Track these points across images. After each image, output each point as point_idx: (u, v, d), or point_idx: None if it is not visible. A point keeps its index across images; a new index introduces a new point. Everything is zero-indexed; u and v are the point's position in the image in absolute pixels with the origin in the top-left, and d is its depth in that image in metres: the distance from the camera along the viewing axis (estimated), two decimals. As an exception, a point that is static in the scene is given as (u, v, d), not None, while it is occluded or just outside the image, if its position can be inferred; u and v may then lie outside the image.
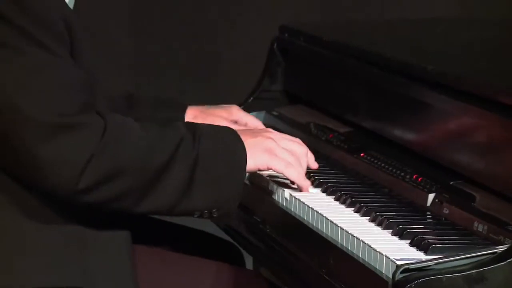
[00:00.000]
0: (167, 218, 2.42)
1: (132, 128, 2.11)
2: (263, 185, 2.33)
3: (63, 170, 2.01)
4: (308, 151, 2.29)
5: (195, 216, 2.16)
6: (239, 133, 2.19)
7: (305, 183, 2.26)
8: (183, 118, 2.59)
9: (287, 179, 2.29)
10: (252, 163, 2.17)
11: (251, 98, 2.91)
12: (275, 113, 2.85)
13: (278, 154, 2.21)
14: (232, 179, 2.15)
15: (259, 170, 2.22)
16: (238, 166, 2.16)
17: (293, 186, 2.29)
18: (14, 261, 2.08)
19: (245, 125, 2.60)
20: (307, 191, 2.28)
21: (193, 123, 2.26)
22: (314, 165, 2.30)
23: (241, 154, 2.16)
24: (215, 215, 2.19)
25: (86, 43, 2.18)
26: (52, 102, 2.02)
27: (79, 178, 2.00)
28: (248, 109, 2.83)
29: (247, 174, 2.21)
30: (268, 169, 2.21)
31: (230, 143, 2.17)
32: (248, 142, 2.17)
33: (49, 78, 2.03)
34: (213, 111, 2.60)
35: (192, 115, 2.60)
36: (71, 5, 2.21)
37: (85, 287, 2.09)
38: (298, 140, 2.31)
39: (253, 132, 2.29)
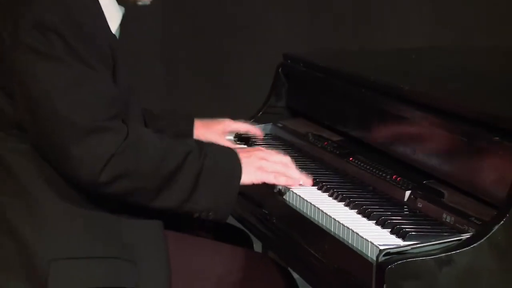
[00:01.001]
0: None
1: (150, 138, 2.12)
2: (270, 184, 2.30)
3: (88, 165, 2.01)
4: (290, 161, 2.30)
5: (195, 216, 2.18)
6: (238, 153, 2.21)
7: (296, 180, 2.26)
8: (192, 128, 2.59)
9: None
10: (247, 178, 2.19)
11: (260, 112, 2.91)
12: (279, 124, 2.85)
13: (268, 170, 2.23)
14: (228, 191, 2.17)
15: (254, 183, 2.21)
16: (234, 181, 2.17)
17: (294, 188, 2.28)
18: (67, 235, 2.07)
19: (239, 131, 2.63)
20: (309, 184, 2.28)
21: (202, 141, 2.27)
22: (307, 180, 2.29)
23: (237, 171, 2.18)
24: (210, 218, 2.20)
25: (125, 67, 2.17)
26: (86, 109, 2.02)
27: (100, 173, 2.01)
28: (258, 121, 2.86)
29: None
30: (262, 182, 2.22)
31: (229, 162, 2.19)
32: (244, 162, 2.19)
33: (87, 90, 2.02)
34: (212, 126, 2.60)
35: (196, 126, 2.60)
36: (117, 35, 2.21)
37: (123, 257, 2.09)
38: (281, 154, 2.32)
39: (249, 152, 2.28)
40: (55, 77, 2.00)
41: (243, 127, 2.64)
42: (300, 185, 2.27)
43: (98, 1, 2.14)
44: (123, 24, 2.27)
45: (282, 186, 2.27)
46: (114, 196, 2.07)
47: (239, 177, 2.18)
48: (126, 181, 2.04)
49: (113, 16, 2.19)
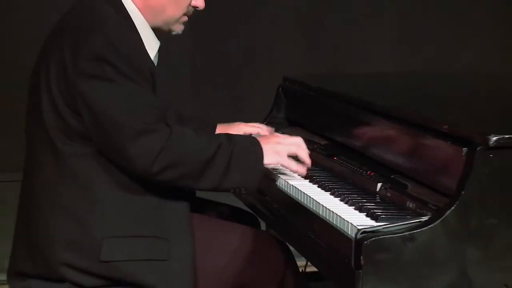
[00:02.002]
0: (213, 198, 2.45)
1: (189, 134, 2.12)
2: (272, 177, 2.32)
3: (143, 159, 2.03)
4: (303, 142, 2.28)
5: (231, 192, 2.23)
6: (258, 139, 2.20)
7: (301, 169, 2.25)
8: (214, 131, 2.58)
9: (287, 174, 2.31)
10: (267, 160, 2.17)
11: (265, 122, 2.88)
12: (280, 132, 2.76)
13: (283, 153, 2.21)
14: (254, 170, 2.16)
15: (272, 164, 2.21)
16: (258, 162, 2.16)
17: (291, 178, 2.28)
18: (117, 219, 2.09)
19: (251, 133, 2.59)
20: (309, 164, 2.27)
21: (230, 134, 2.24)
22: (308, 160, 2.27)
23: (260, 154, 2.16)
24: (243, 192, 2.28)
25: (162, 84, 2.18)
26: (137, 116, 2.04)
27: (153, 164, 2.03)
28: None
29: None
30: (278, 163, 2.22)
31: (253, 147, 2.17)
32: (264, 147, 2.17)
33: (135, 101, 2.05)
34: (229, 129, 2.58)
35: (217, 129, 2.60)
36: (155, 62, 2.23)
37: (158, 236, 2.11)
38: (296, 138, 2.30)
39: (267, 138, 2.27)
40: (110, 95, 2.03)
41: (253, 129, 2.61)
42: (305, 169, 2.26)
43: (140, 36, 2.16)
44: (161, 51, 2.28)
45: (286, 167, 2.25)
46: (165, 183, 2.08)
47: (262, 159, 2.16)
48: (173, 169, 2.05)
49: (152, 46, 2.21)
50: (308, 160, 2.26)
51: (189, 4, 2.24)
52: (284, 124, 2.90)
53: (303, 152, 2.26)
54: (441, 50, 4.53)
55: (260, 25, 4.28)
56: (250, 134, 2.56)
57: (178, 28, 2.27)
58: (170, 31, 2.26)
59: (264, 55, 4.29)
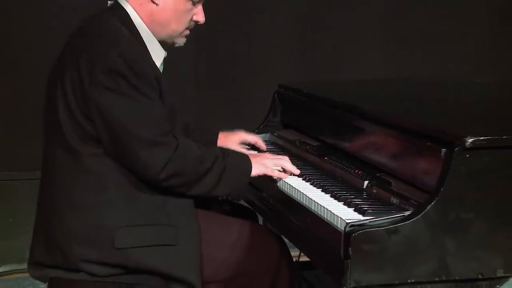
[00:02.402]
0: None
1: (192, 147, 2.14)
2: (271, 178, 2.31)
3: (152, 167, 2.05)
4: (288, 159, 2.33)
5: (219, 198, 2.22)
6: (249, 156, 2.25)
7: (288, 174, 2.28)
8: (217, 138, 2.58)
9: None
10: (254, 172, 2.22)
11: (262, 125, 2.90)
12: (275, 134, 2.83)
13: (269, 166, 2.26)
14: (241, 181, 2.21)
15: (259, 175, 2.25)
16: (245, 175, 2.21)
17: (285, 178, 2.29)
18: (129, 210, 2.10)
19: (249, 141, 2.60)
20: (297, 173, 2.29)
21: (225, 148, 2.31)
22: (296, 171, 2.31)
23: (248, 168, 2.21)
24: (229, 199, 2.26)
25: (168, 94, 2.18)
26: (149, 127, 2.05)
27: (160, 172, 2.05)
28: (260, 132, 2.85)
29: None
30: (263, 173, 2.25)
31: (243, 162, 2.22)
32: (253, 161, 2.23)
33: (148, 114, 2.06)
34: (230, 137, 2.59)
35: (219, 137, 2.59)
36: (161, 69, 2.22)
37: (167, 224, 2.12)
38: (281, 156, 2.36)
39: (256, 156, 2.32)
40: (124, 108, 2.04)
41: (252, 138, 2.62)
42: (291, 174, 2.29)
43: (146, 47, 2.17)
44: (168, 61, 2.28)
45: (276, 177, 2.28)
46: (168, 188, 2.10)
47: (250, 173, 2.21)
48: (177, 178, 2.08)
49: (158, 55, 2.21)
50: (296, 171, 2.30)
51: (191, 19, 2.24)
52: (280, 127, 2.89)
53: (288, 164, 2.30)
54: (428, 56, 4.54)
55: (258, 38, 4.29)
56: (248, 144, 2.61)
57: (181, 41, 2.27)
58: (173, 43, 2.26)
59: (261, 64, 4.29)
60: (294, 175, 2.30)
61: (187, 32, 2.27)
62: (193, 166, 2.11)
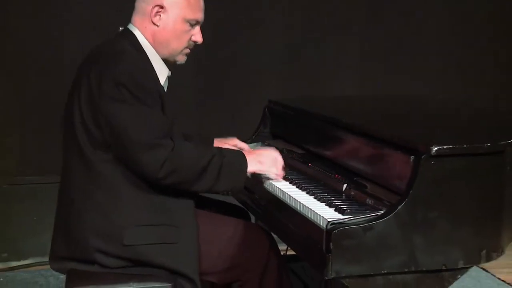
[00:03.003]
0: (211, 196, 2.44)
1: (189, 147, 2.12)
2: (259, 180, 2.31)
3: (151, 166, 2.03)
4: (279, 155, 2.30)
5: (219, 193, 2.21)
6: (244, 153, 2.22)
7: (279, 174, 2.27)
8: (212, 143, 2.55)
9: (272, 177, 2.29)
10: (250, 169, 2.19)
11: (254, 136, 2.88)
12: (266, 143, 2.81)
13: (264, 163, 2.23)
14: (239, 177, 2.17)
15: (255, 172, 2.22)
16: (242, 170, 2.18)
17: (275, 180, 2.28)
18: (136, 211, 2.09)
19: (241, 148, 2.54)
20: (281, 177, 2.28)
21: (222, 147, 2.27)
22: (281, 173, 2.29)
23: (244, 164, 2.18)
24: (229, 194, 2.27)
25: (169, 105, 2.18)
26: (148, 132, 2.04)
27: (159, 171, 2.03)
28: (252, 141, 2.83)
29: (248, 174, 2.21)
30: (259, 171, 2.23)
31: (239, 159, 2.19)
32: (248, 158, 2.20)
33: (148, 120, 2.05)
34: (225, 143, 2.56)
35: (214, 143, 2.56)
36: (165, 86, 2.22)
37: (169, 224, 2.11)
38: (273, 151, 2.31)
39: (252, 152, 2.28)
40: (127, 115, 2.03)
41: (244, 145, 2.59)
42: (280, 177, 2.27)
43: (152, 65, 2.17)
44: (170, 79, 2.28)
45: (265, 177, 2.25)
46: (168, 185, 2.07)
47: (246, 169, 2.17)
48: (175, 175, 2.05)
49: (162, 73, 2.20)
50: (281, 177, 2.28)
51: (190, 39, 2.23)
52: (269, 137, 2.88)
53: (279, 166, 2.27)
54: (402, 75, 4.55)
55: (251, 58, 4.28)
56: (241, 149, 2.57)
57: (182, 59, 2.25)
58: (175, 61, 2.25)
59: (253, 81, 4.29)
60: (282, 178, 2.29)
61: (187, 51, 2.25)
62: (190, 164, 2.08)
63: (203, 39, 2.26)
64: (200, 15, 2.22)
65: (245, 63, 4.29)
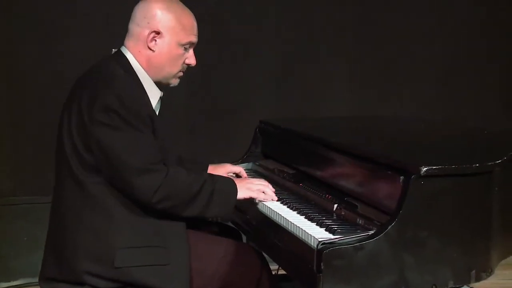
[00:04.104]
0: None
1: (181, 173, 2.12)
2: (252, 201, 2.30)
3: (145, 192, 2.03)
4: (269, 185, 2.31)
5: (209, 219, 2.24)
6: (234, 180, 2.23)
7: (268, 198, 2.27)
8: (206, 170, 2.56)
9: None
10: (240, 195, 2.20)
11: (245, 156, 2.88)
12: (257, 163, 2.82)
13: (253, 190, 2.24)
14: (229, 203, 2.18)
15: (245, 198, 2.23)
16: (232, 197, 2.19)
17: (265, 202, 2.28)
18: (128, 233, 2.08)
19: (235, 172, 2.58)
20: (274, 199, 2.28)
21: (213, 174, 2.28)
22: (275, 198, 2.29)
23: (234, 192, 2.19)
24: (218, 220, 2.29)
25: (162, 129, 2.17)
26: (140, 157, 2.04)
27: (153, 196, 2.03)
28: (244, 161, 2.84)
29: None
30: (249, 197, 2.24)
31: (229, 186, 2.20)
32: (238, 185, 2.21)
33: (140, 146, 2.05)
34: (218, 169, 2.56)
35: (208, 169, 2.57)
36: (157, 111, 2.22)
37: (160, 246, 2.10)
38: (263, 181, 2.34)
39: (242, 180, 2.30)
40: (117, 139, 2.02)
41: (237, 169, 2.60)
42: (272, 200, 2.28)
43: (143, 88, 2.16)
44: (163, 100, 2.28)
45: (258, 200, 2.26)
46: (161, 210, 2.07)
47: (236, 195, 2.19)
48: (168, 201, 2.06)
49: (154, 95, 2.20)
50: (274, 198, 2.29)
51: (183, 62, 2.24)
52: (260, 157, 2.87)
53: (269, 190, 2.29)
54: (390, 96, 4.58)
55: (244, 80, 4.31)
56: (233, 173, 2.58)
57: (175, 82, 2.26)
58: (168, 84, 2.26)
59: (245, 103, 4.31)
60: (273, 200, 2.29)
61: (181, 73, 2.26)
62: (183, 190, 2.08)
63: (196, 61, 2.27)
64: (193, 38, 2.23)
65: (236, 84, 4.33)
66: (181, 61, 2.22)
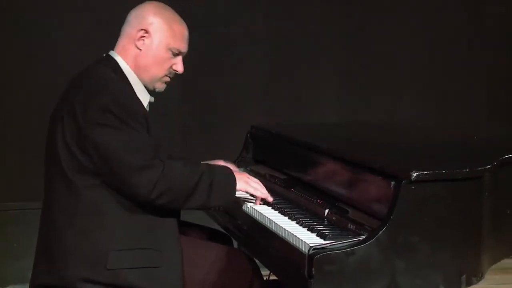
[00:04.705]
0: (194, 221, 2.43)
1: (178, 166, 2.12)
2: (241, 204, 2.32)
3: (144, 188, 2.04)
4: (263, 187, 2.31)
5: (211, 209, 2.25)
6: (232, 171, 2.23)
7: (266, 195, 2.28)
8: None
9: (253, 202, 2.30)
10: (239, 186, 2.20)
11: (236, 161, 2.88)
12: (248, 169, 2.82)
13: (250, 184, 2.25)
14: (229, 192, 2.19)
15: (241, 190, 2.23)
16: (232, 186, 2.19)
17: (256, 205, 2.27)
18: (120, 235, 2.08)
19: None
20: (270, 199, 2.28)
21: (211, 165, 2.28)
22: (270, 198, 2.30)
23: (234, 181, 2.20)
24: (221, 209, 2.29)
25: (155, 127, 2.18)
26: (138, 154, 2.05)
27: (151, 192, 2.03)
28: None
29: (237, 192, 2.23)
30: (245, 190, 2.24)
31: (228, 176, 2.20)
32: (237, 176, 2.21)
33: (136, 143, 2.06)
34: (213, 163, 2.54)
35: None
36: (148, 109, 2.23)
37: (153, 248, 2.10)
38: (258, 181, 2.32)
39: (239, 173, 2.30)
40: (115, 139, 2.04)
41: (231, 165, 2.55)
42: (264, 200, 2.28)
43: (134, 90, 2.18)
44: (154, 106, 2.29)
45: (251, 194, 2.26)
46: (162, 205, 2.07)
47: (235, 184, 2.19)
48: (168, 194, 2.05)
49: (144, 98, 2.21)
50: (270, 198, 2.30)
51: (171, 68, 2.25)
52: (252, 162, 2.88)
53: (264, 190, 2.29)
54: (380, 101, 4.61)
55: (236, 86, 4.34)
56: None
57: (161, 86, 2.26)
58: (154, 88, 2.26)
59: (236, 107, 4.33)
60: (267, 201, 2.29)
61: (167, 79, 2.27)
62: (181, 182, 2.09)
63: (184, 69, 2.28)
64: (183, 46, 2.25)
65: (227, 89, 4.35)
66: (168, 66, 2.23)
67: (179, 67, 2.26)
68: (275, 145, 2.72)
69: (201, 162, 2.51)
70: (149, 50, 2.19)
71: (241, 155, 2.92)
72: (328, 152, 2.27)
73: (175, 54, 2.24)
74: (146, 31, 2.18)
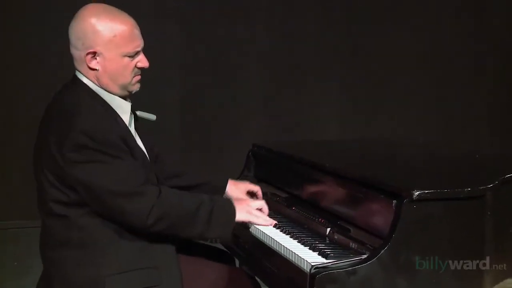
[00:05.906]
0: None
1: (174, 193, 2.12)
2: (244, 224, 2.29)
3: (139, 215, 2.02)
4: (265, 206, 2.30)
5: (208, 241, 2.21)
6: (234, 202, 2.21)
7: (267, 223, 2.26)
8: (226, 185, 2.52)
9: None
10: (239, 218, 2.18)
11: (238, 179, 2.79)
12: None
13: (252, 214, 2.23)
14: (227, 226, 2.16)
15: (243, 221, 2.22)
16: (230, 220, 2.17)
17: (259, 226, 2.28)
18: (117, 258, 2.06)
19: (253, 190, 2.55)
20: (271, 225, 2.26)
21: (213, 195, 2.24)
22: (273, 222, 2.28)
23: (233, 214, 2.18)
24: (217, 242, 2.24)
25: (137, 148, 2.13)
26: (127, 182, 2.02)
27: (147, 219, 2.01)
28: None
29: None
30: (248, 221, 2.23)
31: (229, 207, 2.19)
32: (238, 207, 2.19)
33: (122, 172, 2.02)
34: (239, 184, 2.53)
35: (229, 183, 2.53)
36: (131, 120, 2.17)
37: (151, 267, 2.08)
38: (262, 202, 2.32)
39: (241, 202, 2.27)
40: (98, 172, 1.98)
41: (255, 187, 2.56)
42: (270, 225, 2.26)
43: (112, 109, 2.09)
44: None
45: (254, 224, 2.25)
46: (158, 232, 2.04)
47: (234, 217, 2.16)
48: (164, 221, 2.03)
49: (124, 110, 2.13)
50: (272, 223, 2.27)
51: (135, 68, 2.14)
52: (253, 181, 2.84)
53: (265, 216, 2.28)
54: (380, 119, 4.61)
55: (238, 105, 4.35)
56: (251, 191, 2.55)
57: (135, 87, 2.16)
58: (130, 92, 2.15)
59: (238, 126, 4.34)
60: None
61: (137, 78, 2.16)
62: (178, 209, 2.06)
63: (148, 62, 2.16)
64: (136, 45, 2.11)
65: (229, 108, 4.36)
66: (131, 69, 2.12)
67: (143, 63, 2.13)
68: (277, 163, 2.72)
69: (229, 180, 2.54)
70: (106, 67, 2.07)
71: (243, 173, 2.91)
72: (329, 170, 2.27)
73: (133, 56, 2.11)
74: (94, 52, 2.06)
